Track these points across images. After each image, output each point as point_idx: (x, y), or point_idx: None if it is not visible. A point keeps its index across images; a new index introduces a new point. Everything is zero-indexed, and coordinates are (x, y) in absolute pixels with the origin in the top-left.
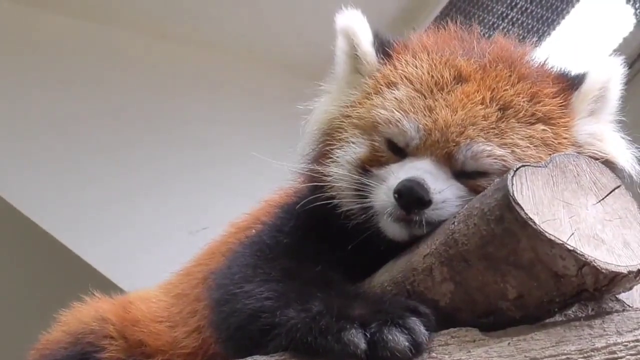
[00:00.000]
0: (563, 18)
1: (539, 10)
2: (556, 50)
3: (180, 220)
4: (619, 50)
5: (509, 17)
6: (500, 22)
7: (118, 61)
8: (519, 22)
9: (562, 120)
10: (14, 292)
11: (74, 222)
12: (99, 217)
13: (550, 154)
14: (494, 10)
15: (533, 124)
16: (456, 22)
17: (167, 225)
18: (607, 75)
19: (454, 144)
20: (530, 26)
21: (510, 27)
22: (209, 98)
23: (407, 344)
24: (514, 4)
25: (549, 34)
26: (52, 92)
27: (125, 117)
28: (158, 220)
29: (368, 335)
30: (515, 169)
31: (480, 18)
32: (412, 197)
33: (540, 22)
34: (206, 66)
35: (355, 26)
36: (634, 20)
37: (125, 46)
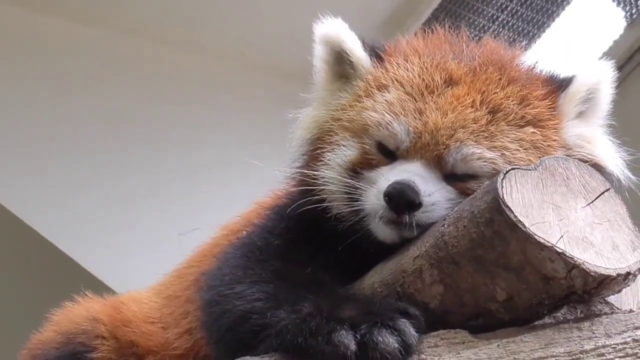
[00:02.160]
0: (553, 20)
1: (529, 12)
2: (546, 53)
3: (171, 222)
4: (609, 53)
5: (500, 19)
6: (491, 24)
7: (112, 65)
8: (510, 24)
9: (551, 122)
10: (4, 292)
11: (65, 223)
12: (90, 219)
13: (540, 157)
14: (484, 12)
15: (523, 126)
16: (445, 25)
17: (158, 227)
18: (595, 77)
19: (444, 147)
20: (520, 28)
21: (500, 29)
22: (201, 101)
23: (397, 345)
24: (504, 6)
25: (539, 36)
26: (46, 95)
27: (117, 120)
28: (149, 222)
29: (358, 336)
30: (505, 172)
31: (471, 20)
32: (403, 200)
33: (531, 24)
34: (199, 70)
35: (342, 34)
36: (624, 23)
37: (120, 50)
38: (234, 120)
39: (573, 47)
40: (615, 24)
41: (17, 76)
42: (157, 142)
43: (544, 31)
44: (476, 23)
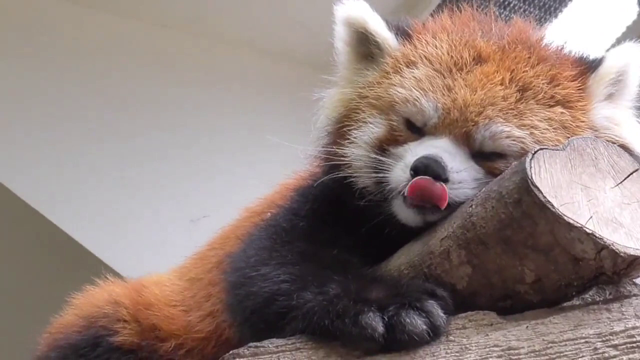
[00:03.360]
0: (565, 6)
1: None
2: (558, 40)
3: (182, 209)
4: (621, 39)
5: (511, 4)
6: (502, 10)
7: (119, 49)
8: (521, 10)
9: (580, 103)
10: (11, 278)
11: (75, 209)
12: (101, 205)
13: (568, 137)
14: None
15: (552, 106)
16: (472, 4)
17: (169, 213)
18: (625, 59)
19: (473, 124)
20: (532, 14)
21: (512, 15)
22: (210, 86)
23: (424, 327)
24: None
25: (551, 22)
26: (53, 77)
27: (127, 106)
28: (159, 208)
29: (386, 318)
30: (533, 152)
31: (482, 6)
32: (429, 174)
33: (543, 10)
34: (207, 55)
35: (365, 15)
36: (637, 9)
37: (127, 35)
38: (244, 107)
39: (585, 34)
40: (628, 10)
41: (19, 58)
42: (168, 130)
43: (555, 17)
44: (487, 9)
